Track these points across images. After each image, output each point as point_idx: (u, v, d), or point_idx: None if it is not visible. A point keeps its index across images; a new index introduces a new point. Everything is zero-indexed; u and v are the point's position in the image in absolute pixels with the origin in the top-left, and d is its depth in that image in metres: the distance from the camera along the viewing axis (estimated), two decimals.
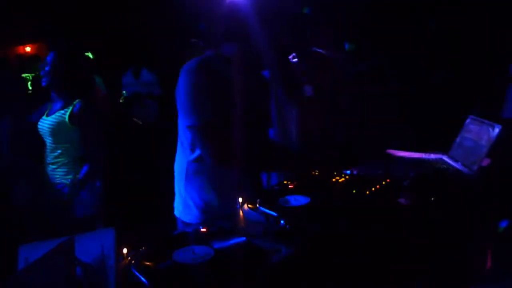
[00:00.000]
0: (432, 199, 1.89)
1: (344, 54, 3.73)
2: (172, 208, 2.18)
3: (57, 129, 2.63)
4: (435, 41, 3.94)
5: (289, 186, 1.94)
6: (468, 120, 2.47)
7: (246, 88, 2.03)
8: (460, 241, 1.85)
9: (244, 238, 1.41)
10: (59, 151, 2.67)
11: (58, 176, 2.69)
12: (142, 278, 1.18)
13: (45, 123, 2.67)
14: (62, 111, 2.63)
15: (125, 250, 1.33)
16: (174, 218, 2.17)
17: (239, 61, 1.99)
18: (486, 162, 2.24)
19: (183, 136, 2.05)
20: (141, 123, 5.82)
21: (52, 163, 2.70)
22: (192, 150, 2.02)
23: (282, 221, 1.46)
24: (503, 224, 1.62)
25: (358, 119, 3.25)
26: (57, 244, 0.94)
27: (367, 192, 1.84)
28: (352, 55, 3.73)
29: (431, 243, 1.80)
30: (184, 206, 2.09)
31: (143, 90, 6.17)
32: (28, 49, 8.27)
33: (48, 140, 2.69)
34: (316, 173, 2.08)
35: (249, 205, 1.69)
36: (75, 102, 2.62)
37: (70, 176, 2.67)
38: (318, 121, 2.81)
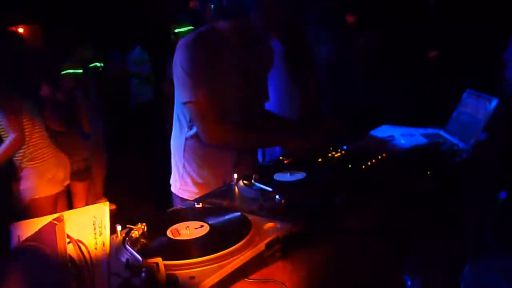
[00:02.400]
0: (428, 173, 1.88)
1: (343, 30, 3.67)
2: (169, 185, 2.18)
3: None
4: (434, 14, 3.89)
5: (285, 162, 1.93)
6: (465, 94, 2.45)
7: (243, 63, 2.00)
8: (457, 215, 1.85)
9: (239, 214, 1.40)
10: None
11: None
12: (136, 255, 1.17)
13: None
14: None
15: (119, 227, 1.32)
16: (170, 195, 2.17)
17: (235, 36, 1.95)
18: (483, 136, 2.23)
19: (180, 113, 2.03)
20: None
21: None
22: (190, 127, 2.00)
23: (277, 196, 1.45)
24: (503, 195, 1.62)
25: (357, 94, 3.23)
26: (49, 221, 0.92)
27: (363, 167, 1.83)
28: (351, 30, 3.68)
29: (427, 218, 1.80)
30: (181, 183, 2.09)
31: (135, 69, 6.14)
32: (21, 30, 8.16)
33: None
34: (312, 149, 2.06)
35: (245, 181, 1.68)
36: None
37: None
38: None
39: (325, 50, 3.36)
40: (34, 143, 3.18)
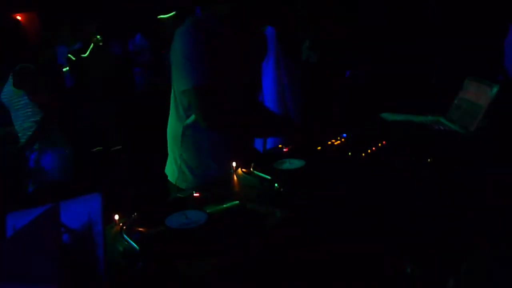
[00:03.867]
0: (428, 160, 1.87)
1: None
2: (166, 174, 2.16)
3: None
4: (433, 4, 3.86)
5: (284, 150, 1.92)
6: (466, 81, 2.42)
7: (242, 49, 1.98)
8: (457, 203, 1.83)
9: (237, 202, 1.39)
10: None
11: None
12: (134, 244, 1.16)
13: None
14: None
15: (116, 217, 1.31)
16: (168, 184, 2.15)
17: (233, 22, 1.93)
18: (484, 122, 2.21)
19: (178, 101, 2.01)
20: None
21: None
22: (188, 115, 1.98)
23: (276, 184, 1.44)
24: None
25: (356, 82, 3.21)
26: (43, 211, 0.91)
27: (363, 155, 1.81)
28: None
29: (427, 206, 1.79)
30: (179, 172, 2.07)
31: (136, 57, 6.12)
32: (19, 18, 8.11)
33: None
34: (311, 137, 2.05)
35: (243, 170, 1.67)
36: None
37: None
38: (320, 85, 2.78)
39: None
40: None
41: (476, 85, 2.32)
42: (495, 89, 2.14)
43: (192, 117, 1.96)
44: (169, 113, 2.11)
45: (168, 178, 2.13)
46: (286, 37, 2.56)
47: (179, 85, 1.93)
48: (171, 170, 2.12)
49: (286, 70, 2.64)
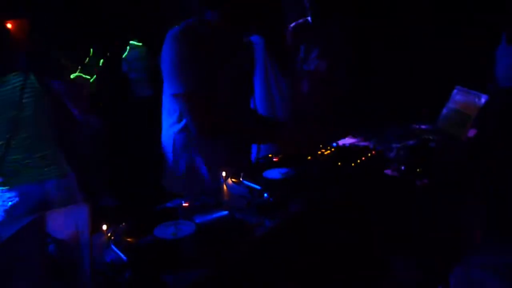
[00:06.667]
0: (418, 170, 1.88)
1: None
2: (160, 179, 2.15)
3: None
4: (426, 11, 3.90)
5: (274, 159, 1.91)
6: (455, 91, 2.45)
7: (231, 54, 1.99)
8: (448, 212, 1.84)
9: (226, 212, 1.39)
10: None
11: None
12: (122, 255, 1.15)
13: None
14: None
15: (104, 227, 1.30)
16: (162, 188, 2.14)
17: (223, 28, 1.94)
18: (472, 132, 2.23)
19: (169, 106, 2.01)
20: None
21: None
22: (179, 121, 1.98)
23: (265, 194, 1.44)
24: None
25: (347, 91, 3.21)
26: (29, 221, 0.90)
27: (353, 165, 1.81)
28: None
29: (418, 215, 1.79)
30: (172, 177, 2.07)
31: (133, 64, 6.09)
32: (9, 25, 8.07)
33: None
34: (302, 146, 2.05)
35: (233, 179, 1.66)
36: None
37: None
38: (310, 93, 2.78)
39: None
40: None
41: (465, 94, 2.34)
42: (483, 99, 2.16)
43: (184, 122, 1.96)
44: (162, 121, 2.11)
45: (162, 181, 2.12)
46: (275, 46, 2.57)
47: (169, 90, 1.93)
48: (164, 174, 2.12)
49: (275, 80, 2.65)
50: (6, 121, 2.07)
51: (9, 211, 2.11)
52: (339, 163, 1.83)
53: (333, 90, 2.87)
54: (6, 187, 2.11)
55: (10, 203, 2.12)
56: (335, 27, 2.89)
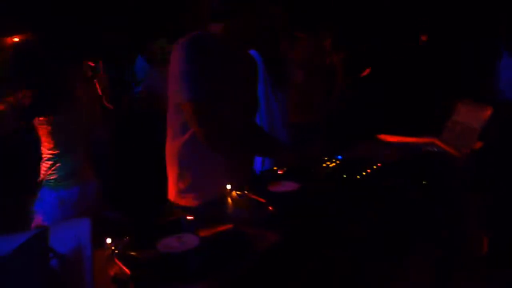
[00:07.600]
0: (423, 183, 1.87)
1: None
2: (164, 191, 2.14)
3: None
4: (425, 24, 3.91)
5: (279, 172, 1.91)
6: (459, 104, 2.44)
7: (236, 67, 1.99)
8: (452, 224, 1.83)
9: (230, 225, 1.37)
10: None
11: None
12: (125, 268, 1.14)
13: None
14: None
15: (108, 240, 1.29)
16: (166, 201, 2.13)
17: (228, 40, 1.96)
18: (478, 145, 2.22)
19: (174, 118, 2.01)
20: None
21: None
22: (183, 132, 1.97)
23: (270, 207, 1.42)
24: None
25: (349, 104, 3.22)
26: (31, 235, 0.89)
27: (358, 177, 1.80)
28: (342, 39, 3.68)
29: (423, 228, 1.78)
30: (177, 190, 2.06)
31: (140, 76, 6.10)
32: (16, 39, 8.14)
33: None
34: (306, 160, 2.04)
35: (237, 192, 1.65)
36: None
37: None
38: (307, 107, 2.78)
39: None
40: None
41: (469, 107, 2.33)
42: (488, 112, 2.15)
43: (189, 133, 1.95)
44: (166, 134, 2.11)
45: (168, 195, 2.11)
46: (273, 61, 2.58)
47: (176, 98, 1.93)
48: (169, 187, 2.11)
49: (274, 95, 2.65)
50: None
51: (65, 211, 2.34)
52: (344, 176, 1.82)
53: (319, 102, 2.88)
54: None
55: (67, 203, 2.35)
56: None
